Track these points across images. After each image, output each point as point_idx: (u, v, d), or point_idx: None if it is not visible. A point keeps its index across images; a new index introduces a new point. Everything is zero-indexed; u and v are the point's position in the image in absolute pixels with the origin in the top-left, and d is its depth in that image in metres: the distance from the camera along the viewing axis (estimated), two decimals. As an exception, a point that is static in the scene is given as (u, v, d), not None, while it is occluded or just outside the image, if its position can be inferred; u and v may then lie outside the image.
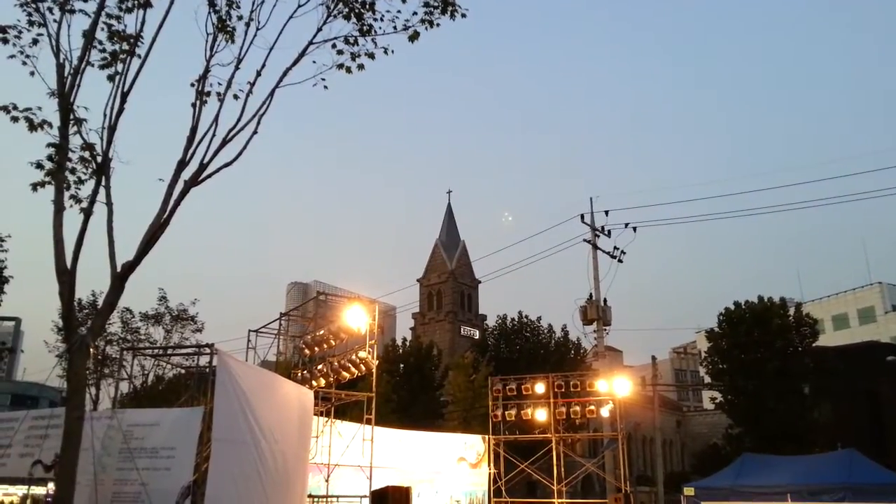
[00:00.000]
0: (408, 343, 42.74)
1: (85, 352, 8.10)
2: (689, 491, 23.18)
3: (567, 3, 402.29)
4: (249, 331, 21.84)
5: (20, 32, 8.86)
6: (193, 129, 9.07)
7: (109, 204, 8.76)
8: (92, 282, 45.84)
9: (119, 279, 8.41)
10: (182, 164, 8.92)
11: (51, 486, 14.27)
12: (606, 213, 26.05)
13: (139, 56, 9.13)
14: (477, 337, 59.14)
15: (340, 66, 9.47)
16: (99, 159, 8.70)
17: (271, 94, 9.26)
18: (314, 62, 9.38)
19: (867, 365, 33.51)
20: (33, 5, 8.83)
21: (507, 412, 24.11)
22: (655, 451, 38.10)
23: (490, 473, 24.02)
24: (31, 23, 8.88)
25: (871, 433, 31.63)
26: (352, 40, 9.49)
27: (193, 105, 9.21)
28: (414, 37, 9.48)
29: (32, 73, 8.71)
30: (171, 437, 13.42)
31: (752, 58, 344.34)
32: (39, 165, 8.53)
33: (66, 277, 8.11)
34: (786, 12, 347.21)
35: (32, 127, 8.55)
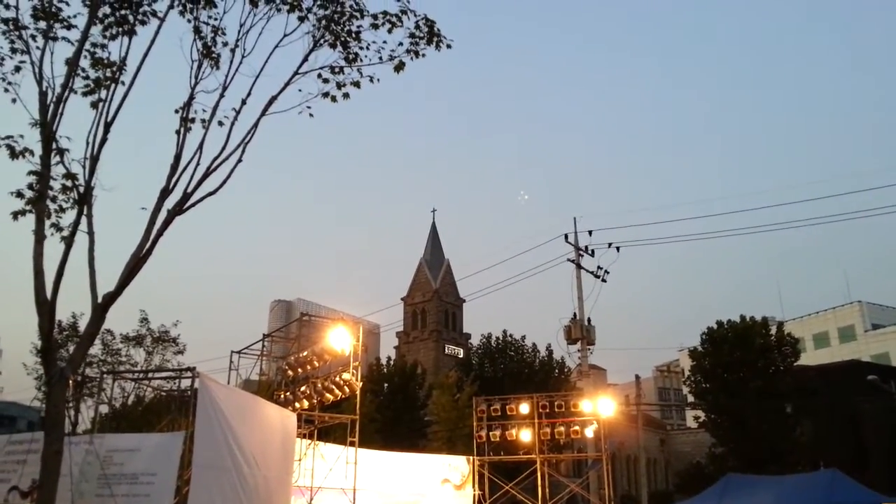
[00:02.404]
0: (392, 362, 42.57)
1: (64, 384, 7.99)
2: (672, 512, 23.21)
3: (549, 21, 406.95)
4: (232, 352, 21.66)
5: (2, 60, 8.83)
6: (177, 157, 9.02)
7: (91, 234, 8.66)
8: (72, 303, 45.26)
9: (100, 310, 8.30)
10: (165, 193, 8.85)
11: (27, 508, 14.04)
12: (590, 232, 26.29)
13: (123, 83, 9.11)
14: (461, 356, 59.02)
15: (326, 94, 9.49)
16: (81, 189, 8.63)
17: (256, 123, 9.25)
18: (300, 90, 9.41)
19: (848, 384, 33.79)
20: (16, 33, 8.80)
21: (491, 433, 24.06)
22: (639, 470, 38.15)
23: (475, 495, 23.89)
24: (13, 50, 8.84)
25: (853, 452, 31.87)
26: (337, 69, 9.54)
27: (177, 132, 9.18)
28: (399, 67, 9.54)
29: (14, 101, 8.67)
30: (152, 463, 13.26)
31: (740, 76, 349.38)
32: (20, 194, 8.46)
33: (46, 308, 8.01)
34: (773, 36, 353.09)
35: (14, 155, 8.49)
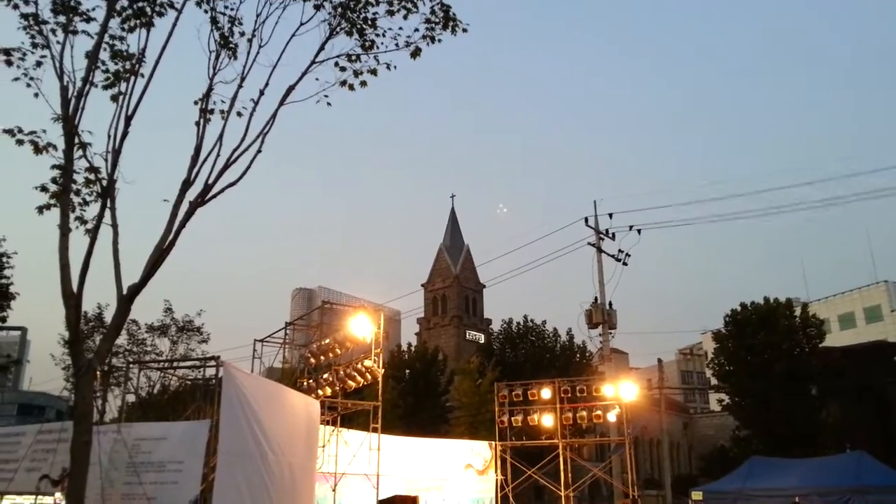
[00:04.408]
0: (413, 349, 42.69)
1: (91, 376, 8.10)
2: (697, 495, 23.13)
3: (565, 7, 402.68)
4: (255, 340, 21.84)
5: (24, 55, 8.91)
6: (197, 148, 9.07)
7: (115, 226, 8.74)
8: (98, 293, 45.83)
9: (125, 302, 8.40)
10: (187, 184, 8.91)
11: (58, 495, 14.32)
12: (610, 215, 26.05)
13: (143, 75, 9.16)
14: (482, 341, 59.06)
15: (343, 82, 9.48)
16: (104, 182, 8.71)
17: (275, 113, 9.27)
18: (317, 79, 9.40)
19: (875, 365, 33.43)
20: (36, 28, 8.86)
21: (513, 418, 24.07)
22: (662, 454, 38.02)
23: (497, 480, 23.96)
24: (34, 45, 8.91)
25: (880, 433, 31.53)
26: (354, 57, 9.51)
27: (197, 123, 9.22)
28: (416, 53, 9.48)
29: (37, 95, 8.75)
30: (179, 451, 13.43)
31: (758, 57, 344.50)
32: (45, 188, 8.56)
33: (73, 301, 8.10)
34: (787, 15, 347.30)
35: (38, 150, 8.58)
